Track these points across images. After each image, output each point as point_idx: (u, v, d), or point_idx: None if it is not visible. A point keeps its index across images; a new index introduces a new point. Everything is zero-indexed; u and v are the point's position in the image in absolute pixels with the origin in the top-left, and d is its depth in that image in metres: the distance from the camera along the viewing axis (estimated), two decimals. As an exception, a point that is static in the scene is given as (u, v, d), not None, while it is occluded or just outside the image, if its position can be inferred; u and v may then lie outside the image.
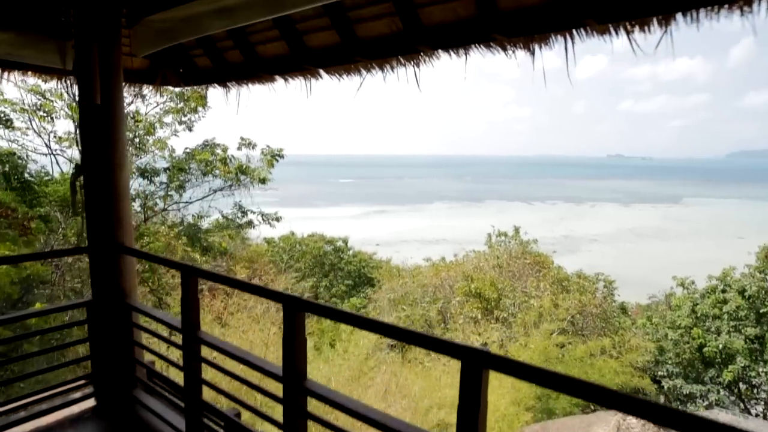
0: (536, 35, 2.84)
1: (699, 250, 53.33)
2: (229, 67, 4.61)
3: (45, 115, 11.73)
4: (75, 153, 11.87)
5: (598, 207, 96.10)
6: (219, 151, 14.67)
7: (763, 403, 15.25)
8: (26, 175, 11.11)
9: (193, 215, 15.12)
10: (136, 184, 13.90)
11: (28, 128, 11.78)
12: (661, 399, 16.45)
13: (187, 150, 14.47)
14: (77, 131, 11.38)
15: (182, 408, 3.24)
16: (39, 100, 11.61)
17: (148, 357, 3.88)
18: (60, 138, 12.13)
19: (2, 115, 11.17)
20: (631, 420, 8.66)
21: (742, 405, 15.15)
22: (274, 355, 9.12)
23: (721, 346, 15.16)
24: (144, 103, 13.86)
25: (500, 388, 11.10)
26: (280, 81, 4.47)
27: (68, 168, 11.92)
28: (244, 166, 14.62)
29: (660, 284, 26.35)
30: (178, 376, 3.53)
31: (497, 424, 10.08)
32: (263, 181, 14.69)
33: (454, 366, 12.63)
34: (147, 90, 5.21)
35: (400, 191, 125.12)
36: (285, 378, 2.41)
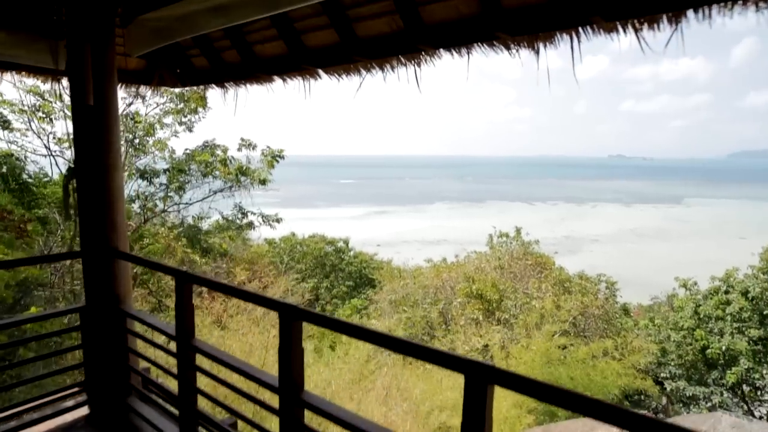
0: (541, 34, 2.75)
1: (701, 251, 53.21)
2: (227, 67, 4.53)
3: (44, 116, 11.67)
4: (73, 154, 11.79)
5: (599, 207, 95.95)
6: (219, 152, 14.60)
7: (767, 405, 15.14)
8: (24, 176, 11.04)
9: (193, 217, 15.04)
10: (135, 186, 13.84)
11: (27, 129, 11.73)
12: (664, 400, 16.35)
13: (187, 151, 14.40)
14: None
15: (177, 417, 3.16)
16: (38, 101, 11.55)
17: (143, 364, 3.80)
18: (59, 139, 12.07)
19: (0, 116, 11.10)
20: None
21: (745, 407, 15.04)
22: (273, 359, 9.02)
23: (724, 347, 15.05)
24: (144, 104, 13.82)
25: (502, 390, 11.00)
26: (278, 81, 4.39)
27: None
28: (244, 167, 14.54)
29: (662, 285, 26.24)
30: (173, 384, 3.45)
31: (499, 427, 9.99)
32: (263, 182, 14.61)
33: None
34: (143, 90, 5.13)
35: (401, 192, 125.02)
36: (281, 389, 2.32)
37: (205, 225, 15.41)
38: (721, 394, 15.03)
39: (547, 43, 2.80)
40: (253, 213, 15.75)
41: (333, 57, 3.69)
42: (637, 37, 2.48)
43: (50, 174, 11.95)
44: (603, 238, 62.69)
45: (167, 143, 14.22)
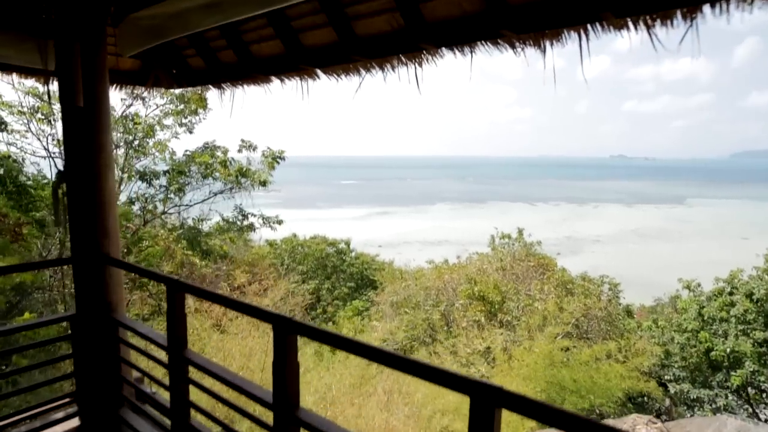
0: (548, 31, 2.63)
1: (703, 251, 53.04)
2: (223, 67, 4.42)
3: (43, 117, 11.58)
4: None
5: (601, 208, 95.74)
6: (219, 153, 14.51)
7: (772, 407, 15.00)
8: (22, 178, 10.93)
9: (193, 219, 14.95)
10: (135, 187, 13.76)
11: (27, 131, 11.64)
12: (667, 402, 16.21)
13: (187, 152, 14.32)
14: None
15: (170, 430, 3.04)
16: (37, 102, 11.47)
17: (136, 374, 3.68)
18: (59, 141, 11.96)
19: (-3, 117, 11.02)
20: (641, 430, 8.45)
21: (750, 410, 14.90)
22: (273, 363, 8.91)
23: (728, 350, 14.91)
24: (144, 105, 13.75)
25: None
26: (276, 82, 4.27)
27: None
28: (245, 169, 14.45)
29: (664, 285, 26.11)
30: (167, 395, 3.33)
31: (501, 430, 9.87)
32: (264, 183, 14.53)
33: (459, 371, 12.46)
34: (139, 91, 5.02)
35: (402, 192, 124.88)
36: (275, 406, 2.20)
37: (205, 227, 15.31)
38: (726, 397, 14.88)
39: (554, 41, 2.68)
40: (253, 215, 15.66)
41: (331, 56, 3.57)
42: (649, 35, 2.36)
43: (49, 176, 11.86)
44: (605, 239, 62.54)
45: (167, 145, 14.15)
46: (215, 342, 9.09)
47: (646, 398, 15.34)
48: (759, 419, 14.44)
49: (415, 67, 3.30)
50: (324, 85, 4.11)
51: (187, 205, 14.58)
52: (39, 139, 11.68)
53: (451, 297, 17.26)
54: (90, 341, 3.42)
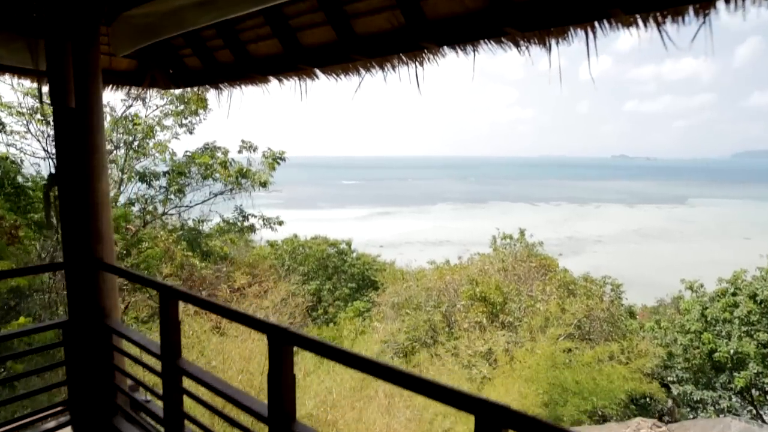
0: (553, 29, 2.53)
1: (705, 251, 52.94)
2: (220, 67, 4.33)
3: (42, 118, 11.51)
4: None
5: (602, 208, 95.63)
6: (219, 154, 14.45)
7: (776, 409, 14.90)
8: (21, 179, 10.86)
9: (193, 219, 14.88)
10: (135, 189, 13.71)
11: (26, 132, 11.58)
12: (669, 403, 16.11)
13: (187, 153, 14.26)
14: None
15: (164, 440, 2.96)
16: (36, 102, 11.40)
17: (131, 382, 3.59)
18: (58, 142, 11.89)
19: (-4, 118, 10.97)
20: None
21: (754, 411, 14.80)
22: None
23: (732, 351, 14.82)
24: (144, 106, 13.70)
25: (506, 395, 10.82)
26: (274, 82, 4.19)
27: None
28: (245, 170, 14.39)
29: (666, 285, 26.04)
30: (161, 403, 3.24)
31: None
32: (264, 184, 14.47)
33: (460, 374, 12.36)
34: (135, 92, 4.94)
35: (404, 192, 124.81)
36: (270, 419, 2.11)
37: (205, 228, 15.24)
38: (730, 399, 14.79)
39: (560, 40, 2.59)
40: (253, 216, 15.59)
41: (330, 56, 3.48)
42: (659, 32, 2.27)
43: (49, 177, 11.78)
44: (606, 239, 62.45)
45: (168, 145, 14.10)
46: (214, 345, 8.98)
47: (648, 400, 15.26)
48: (763, 421, 14.35)
49: (416, 67, 3.21)
50: (325, 84, 4.03)
51: (187, 206, 14.52)
52: (38, 140, 11.62)
53: (453, 298, 17.17)
54: (83, 348, 3.33)
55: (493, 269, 18.39)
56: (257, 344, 9.43)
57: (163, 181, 13.78)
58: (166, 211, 14.29)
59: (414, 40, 3.00)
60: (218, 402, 2.70)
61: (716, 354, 15.11)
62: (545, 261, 19.19)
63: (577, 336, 14.64)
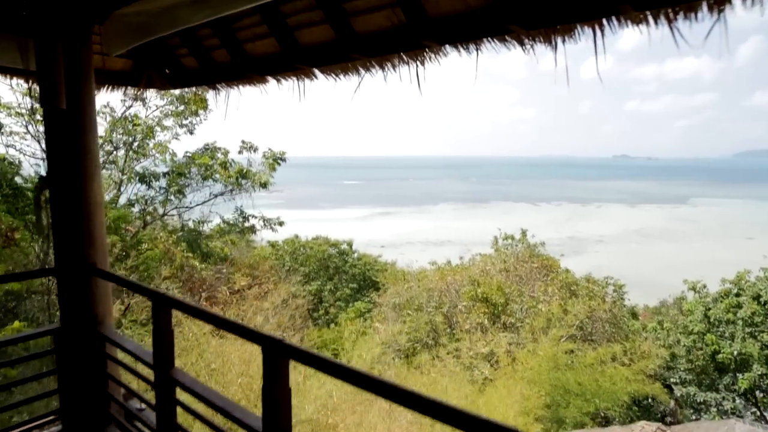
0: (560, 26, 2.44)
1: (707, 251, 52.82)
2: (217, 67, 4.24)
3: (40, 119, 11.44)
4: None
5: (603, 208, 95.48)
6: (219, 155, 14.38)
7: (780, 411, 14.80)
8: (19, 180, 10.78)
9: (193, 221, 14.81)
10: (135, 189, 13.65)
11: (26, 133, 11.51)
12: (672, 404, 16.02)
13: (188, 154, 14.20)
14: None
15: (158, 451, 2.86)
16: (35, 103, 11.34)
17: (124, 390, 3.50)
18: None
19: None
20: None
21: (758, 413, 14.70)
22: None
23: (735, 352, 14.73)
24: (144, 106, 13.64)
25: (508, 397, 10.74)
26: (272, 82, 4.09)
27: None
28: (245, 170, 14.31)
29: (668, 285, 25.95)
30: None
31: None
32: (264, 185, 14.39)
33: (462, 376, 12.28)
34: (131, 92, 4.85)
35: (405, 192, 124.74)
36: (266, 435, 2.02)
37: (206, 229, 15.17)
38: (733, 400, 14.69)
39: (566, 38, 2.49)
40: (254, 216, 15.51)
41: (329, 55, 3.39)
42: (671, 29, 2.17)
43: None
44: (608, 239, 62.36)
45: (168, 146, 14.04)
46: (214, 347, 8.91)
47: (651, 401, 15.18)
48: (768, 423, 14.25)
49: (417, 66, 3.12)
50: (325, 84, 3.94)
51: (187, 207, 14.46)
52: (38, 140, 11.55)
53: (454, 299, 17.08)
54: (75, 356, 3.24)
55: (494, 270, 18.29)
56: (257, 347, 9.33)
57: (163, 182, 13.73)
58: (166, 212, 14.23)
59: (415, 39, 2.91)
60: (212, 413, 2.61)
61: (720, 355, 15.02)
62: (547, 261, 19.09)
63: (579, 337, 14.56)
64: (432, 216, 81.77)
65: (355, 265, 27.89)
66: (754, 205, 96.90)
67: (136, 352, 2.93)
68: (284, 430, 2.00)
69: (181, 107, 13.88)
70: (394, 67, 3.22)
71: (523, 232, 21.40)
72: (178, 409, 2.70)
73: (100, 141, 12.97)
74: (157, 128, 13.86)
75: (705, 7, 2.04)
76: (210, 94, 4.80)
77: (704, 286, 17.55)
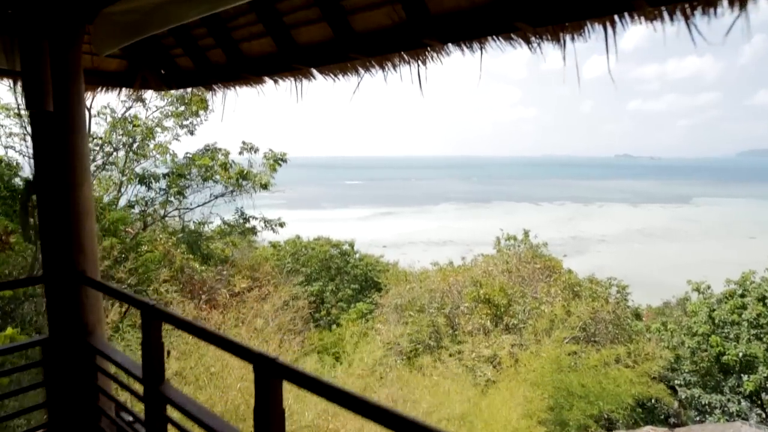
0: (569, 24, 2.31)
1: (710, 251, 52.64)
2: (213, 67, 4.12)
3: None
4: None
5: (606, 207, 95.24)
6: (220, 156, 14.28)
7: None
8: (18, 181, 10.69)
9: (194, 222, 14.72)
10: (135, 191, 13.58)
11: (26, 134, 11.42)
12: (675, 405, 15.89)
13: (188, 155, 14.11)
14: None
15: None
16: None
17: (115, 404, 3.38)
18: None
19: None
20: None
21: (764, 415, 14.57)
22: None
23: (740, 354, 14.60)
24: (144, 107, 13.56)
25: (511, 400, 10.61)
26: (269, 82, 3.97)
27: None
28: (245, 171, 14.21)
29: (671, 285, 25.83)
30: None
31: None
32: (265, 186, 14.29)
33: (464, 378, 12.16)
34: (126, 93, 4.74)
35: (407, 192, 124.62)
36: (258, 459, 1.90)
37: (206, 230, 15.08)
38: (739, 403, 14.56)
39: (575, 35, 2.36)
40: (255, 218, 15.42)
41: (327, 55, 3.26)
42: (687, 25, 2.05)
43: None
44: (610, 239, 62.20)
45: (168, 147, 13.96)
46: (213, 351, 8.79)
47: (655, 403, 15.06)
48: (774, 425, 14.11)
49: (418, 65, 2.99)
50: (325, 84, 3.82)
51: (187, 208, 14.37)
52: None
53: (456, 300, 16.95)
54: (64, 368, 3.12)
55: (497, 270, 18.16)
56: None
57: (163, 183, 13.65)
58: (166, 213, 14.15)
59: (416, 37, 2.78)
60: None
61: (724, 357, 14.90)
62: (550, 262, 18.96)
63: (583, 339, 14.43)
64: (434, 216, 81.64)
65: (356, 265, 27.80)
66: (757, 205, 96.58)
67: (125, 365, 2.81)
68: (277, 454, 1.88)
69: (182, 108, 13.81)
70: (394, 66, 3.10)
71: (526, 233, 21.28)
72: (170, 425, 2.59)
73: (100, 142, 12.88)
74: (158, 129, 13.80)
75: (725, 1, 1.91)
76: (207, 96, 4.69)
77: (708, 287, 17.43)
